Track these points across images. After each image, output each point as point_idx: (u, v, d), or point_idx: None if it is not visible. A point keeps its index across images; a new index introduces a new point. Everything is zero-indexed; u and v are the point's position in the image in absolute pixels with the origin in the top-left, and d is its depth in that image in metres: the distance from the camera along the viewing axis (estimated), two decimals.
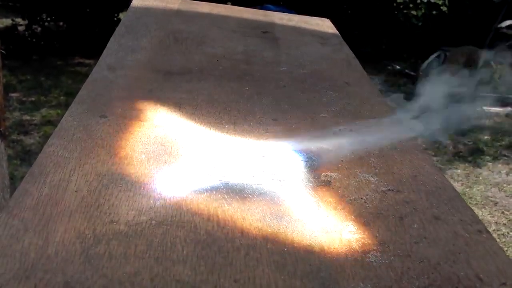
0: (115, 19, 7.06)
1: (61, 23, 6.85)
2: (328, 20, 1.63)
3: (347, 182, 0.75)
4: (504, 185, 3.80)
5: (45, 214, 0.60)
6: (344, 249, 0.61)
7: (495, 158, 4.20)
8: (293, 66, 1.21)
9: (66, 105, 4.55)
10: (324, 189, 0.73)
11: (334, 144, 0.85)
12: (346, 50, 1.36)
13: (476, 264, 0.61)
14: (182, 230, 0.61)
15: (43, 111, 4.47)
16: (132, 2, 1.53)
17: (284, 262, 0.58)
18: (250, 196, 0.69)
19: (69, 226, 0.59)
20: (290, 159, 0.79)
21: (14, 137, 3.85)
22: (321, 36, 1.46)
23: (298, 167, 0.77)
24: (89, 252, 0.55)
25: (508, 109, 5.60)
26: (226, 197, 0.68)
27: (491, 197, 3.61)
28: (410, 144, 0.90)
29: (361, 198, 0.72)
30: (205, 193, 0.68)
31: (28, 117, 4.31)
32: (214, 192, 0.69)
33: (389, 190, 0.74)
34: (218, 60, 1.17)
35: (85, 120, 0.83)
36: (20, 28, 6.79)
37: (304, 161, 0.79)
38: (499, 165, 4.11)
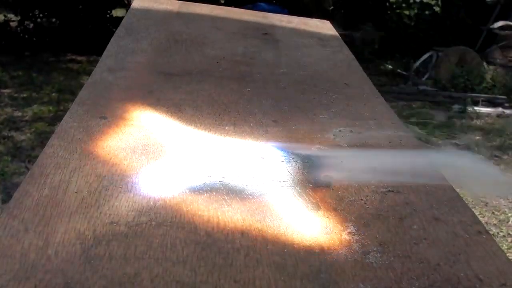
0: (108, 16, 7.03)
1: (53, 19, 6.82)
2: (328, 21, 1.63)
3: (346, 183, 0.75)
4: None
5: (45, 215, 0.60)
6: (344, 250, 0.61)
7: (486, 159, 4.23)
8: (293, 67, 1.21)
9: (58, 102, 4.53)
10: (324, 190, 0.73)
11: (334, 145, 0.85)
12: (346, 51, 1.37)
13: (476, 265, 0.61)
14: (182, 231, 0.60)
15: (35, 107, 4.44)
16: (132, 3, 1.52)
17: (284, 263, 0.58)
18: (250, 197, 0.69)
19: (69, 227, 0.58)
20: (290, 160, 0.79)
21: (5, 133, 3.82)
22: (321, 38, 1.46)
23: (298, 168, 0.78)
24: (89, 253, 0.55)
25: (499, 109, 5.65)
26: (226, 198, 0.68)
27: (482, 197, 3.64)
28: (410, 142, 0.90)
29: (361, 199, 0.72)
30: (205, 194, 0.68)
31: (19, 114, 4.28)
32: (214, 193, 0.69)
33: (389, 191, 0.74)
34: (218, 62, 1.17)
35: (85, 121, 0.83)
36: (13, 24, 6.74)
37: (304, 162, 0.79)
38: None
